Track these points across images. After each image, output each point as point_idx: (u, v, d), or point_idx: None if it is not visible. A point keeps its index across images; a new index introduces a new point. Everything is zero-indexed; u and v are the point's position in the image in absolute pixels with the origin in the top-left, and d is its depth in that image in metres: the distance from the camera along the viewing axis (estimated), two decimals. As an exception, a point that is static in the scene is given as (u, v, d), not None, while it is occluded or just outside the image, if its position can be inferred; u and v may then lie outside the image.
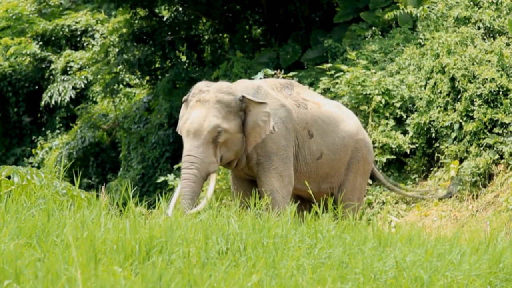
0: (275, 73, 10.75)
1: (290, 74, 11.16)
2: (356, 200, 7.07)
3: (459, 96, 9.84)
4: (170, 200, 6.17)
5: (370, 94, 10.52)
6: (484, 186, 9.35)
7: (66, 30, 18.57)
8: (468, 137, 9.60)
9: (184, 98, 6.74)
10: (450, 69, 9.87)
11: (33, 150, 18.03)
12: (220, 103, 6.42)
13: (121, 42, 16.36)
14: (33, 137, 18.37)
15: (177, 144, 15.71)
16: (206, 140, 6.33)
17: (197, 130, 6.34)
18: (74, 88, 17.56)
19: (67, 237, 3.71)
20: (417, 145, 10.24)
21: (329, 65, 11.49)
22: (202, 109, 6.42)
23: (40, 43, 18.45)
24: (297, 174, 6.77)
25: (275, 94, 6.75)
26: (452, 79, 9.89)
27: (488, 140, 9.39)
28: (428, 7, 11.11)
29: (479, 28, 10.41)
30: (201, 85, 6.63)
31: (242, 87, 6.67)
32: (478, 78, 9.63)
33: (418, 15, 11.35)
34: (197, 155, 6.30)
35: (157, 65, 16.79)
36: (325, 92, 11.12)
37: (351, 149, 7.05)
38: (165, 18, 16.38)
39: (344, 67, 11.03)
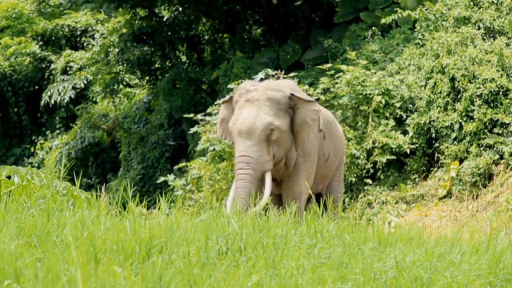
0: (276, 74, 10.75)
1: (291, 74, 11.16)
2: (340, 201, 7.24)
3: (459, 96, 9.84)
4: (227, 199, 6.19)
5: (370, 94, 10.52)
6: (484, 186, 9.35)
7: (66, 30, 18.57)
8: (468, 137, 9.59)
9: (223, 99, 6.69)
10: (450, 69, 9.86)
11: (32, 149, 18.03)
12: (271, 100, 6.38)
13: (121, 42, 16.37)
14: (33, 137, 18.37)
15: (177, 144, 15.72)
16: (259, 139, 6.28)
17: (250, 129, 6.29)
18: (74, 88, 17.56)
19: (67, 237, 3.71)
20: (417, 145, 10.24)
21: (329, 65, 11.49)
22: (253, 108, 6.36)
23: (40, 43, 18.45)
24: None
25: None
26: (452, 79, 9.88)
27: (488, 140, 9.39)
28: (426, 9, 11.11)
29: (479, 28, 10.40)
30: (247, 85, 6.58)
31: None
32: (478, 78, 9.63)
33: (417, 17, 11.35)
34: (252, 155, 6.25)
35: (157, 65, 16.80)
36: (325, 92, 11.12)
37: (342, 151, 7.18)
38: (165, 18, 16.38)
39: (344, 67, 11.02)
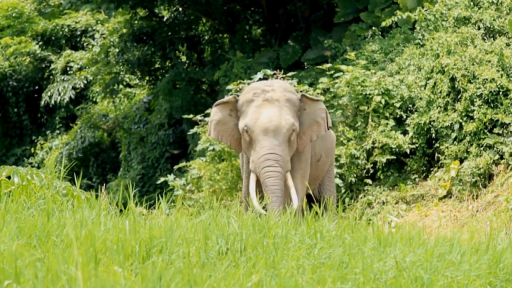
0: (274, 73, 10.74)
1: (289, 74, 11.16)
2: (334, 200, 7.25)
3: (459, 96, 9.84)
4: (250, 194, 6.23)
5: (370, 94, 10.52)
6: (484, 186, 9.35)
7: (66, 30, 18.57)
8: (468, 137, 9.59)
9: (218, 102, 6.63)
10: (450, 69, 9.86)
11: (32, 149, 18.03)
12: (289, 102, 6.46)
13: (121, 42, 16.37)
14: (33, 137, 18.37)
15: (177, 144, 15.72)
16: (285, 138, 6.34)
17: (277, 128, 6.33)
18: (74, 88, 17.56)
19: (67, 237, 3.71)
20: (417, 145, 10.24)
21: (329, 65, 11.49)
22: (274, 108, 6.40)
23: (40, 43, 18.45)
24: None
25: None
26: (452, 79, 9.89)
27: (488, 140, 9.39)
28: (426, 10, 11.10)
29: (479, 28, 10.40)
30: (261, 85, 6.60)
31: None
32: (478, 78, 9.63)
33: (417, 17, 11.35)
34: (280, 153, 6.30)
35: (157, 65, 16.80)
36: (325, 92, 11.13)
37: (333, 152, 7.23)
38: (165, 18, 16.38)
39: (344, 67, 11.02)
